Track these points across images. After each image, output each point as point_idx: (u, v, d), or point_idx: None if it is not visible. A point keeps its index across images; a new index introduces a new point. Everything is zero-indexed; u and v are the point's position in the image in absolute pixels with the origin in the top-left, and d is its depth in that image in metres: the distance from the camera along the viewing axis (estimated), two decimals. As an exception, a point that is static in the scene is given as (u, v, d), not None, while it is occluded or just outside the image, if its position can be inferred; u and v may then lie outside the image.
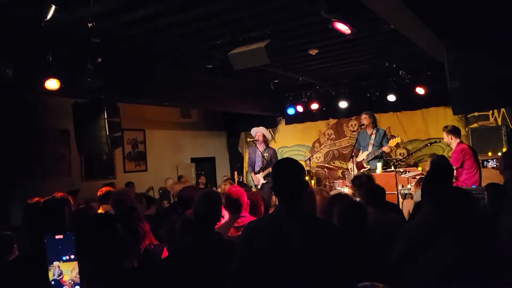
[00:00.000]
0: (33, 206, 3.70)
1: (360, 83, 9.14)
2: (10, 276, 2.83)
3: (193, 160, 10.83)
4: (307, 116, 10.25)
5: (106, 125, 6.14)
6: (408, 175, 6.80)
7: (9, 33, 4.87)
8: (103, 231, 2.16)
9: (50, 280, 2.16)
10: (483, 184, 5.12)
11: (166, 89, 7.44)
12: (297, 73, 8.32)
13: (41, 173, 7.37)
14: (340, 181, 7.89)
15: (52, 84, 5.30)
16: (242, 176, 10.81)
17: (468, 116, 8.58)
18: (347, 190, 5.88)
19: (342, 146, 10.26)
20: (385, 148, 7.66)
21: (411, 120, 9.33)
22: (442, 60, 4.48)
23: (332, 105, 9.57)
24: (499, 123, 8.32)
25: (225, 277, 2.17)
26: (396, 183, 6.02)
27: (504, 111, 8.26)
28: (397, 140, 7.73)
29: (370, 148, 7.77)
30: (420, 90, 8.25)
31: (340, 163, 10.19)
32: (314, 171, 9.01)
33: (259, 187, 7.61)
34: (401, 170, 7.07)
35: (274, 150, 8.01)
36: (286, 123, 10.85)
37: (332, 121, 10.35)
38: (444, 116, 8.74)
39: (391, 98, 8.70)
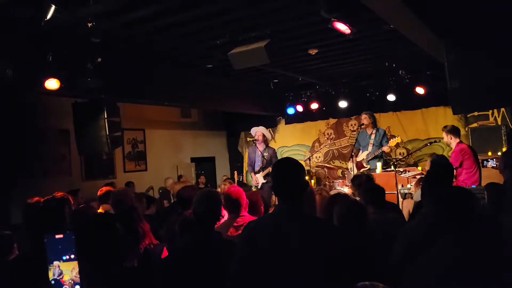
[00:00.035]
0: (33, 206, 3.71)
1: (360, 83, 9.14)
2: (10, 276, 2.83)
3: (193, 159, 10.83)
4: (307, 116, 10.25)
5: (106, 125, 6.14)
6: (408, 174, 6.80)
7: (9, 33, 4.87)
8: (103, 230, 2.16)
9: (50, 279, 2.16)
10: (483, 183, 5.13)
11: (166, 89, 7.44)
12: (297, 73, 8.32)
13: (41, 173, 7.37)
14: (340, 180, 7.90)
15: (52, 84, 5.30)
16: (242, 175, 10.82)
17: (468, 115, 8.58)
18: (347, 190, 5.88)
19: (342, 146, 10.27)
20: (385, 148, 7.66)
21: (411, 120, 9.33)
22: (442, 60, 4.48)
23: (332, 105, 9.57)
24: (499, 123, 8.32)
25: (225, 276, 2.17)
26: (396, 183, 6.02)
27: (504, 110, 8.27)
28: (397, 140, 7.74)
29: (370, 147, 7.77)
30: (420, 90, 8.26)
31: (340, 162, 10.20)
32: (314, 170, 9.01)
33: (259, 186, 7.61)
34: (401, 169, 7.08)
35: (274, 149, 8.01)
36: (286, 123, 10.86)
37: (332, 121, 10.35)
38: (444, 115, 8.75)
39: (391, 97, 8.70)
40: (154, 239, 3.23)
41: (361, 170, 7.34)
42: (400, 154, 9.28)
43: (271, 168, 6.88)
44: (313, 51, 6.61)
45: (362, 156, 7.85)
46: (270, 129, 10.27)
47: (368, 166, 7.59)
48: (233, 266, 2.17)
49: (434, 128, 8.80)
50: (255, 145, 7.81)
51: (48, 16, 4.08)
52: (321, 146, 10.24)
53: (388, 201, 4.07)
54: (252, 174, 7.87)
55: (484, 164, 7.01)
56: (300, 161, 2.38)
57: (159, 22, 5.07)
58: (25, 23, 4.66)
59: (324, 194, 3.66)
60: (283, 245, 2.03)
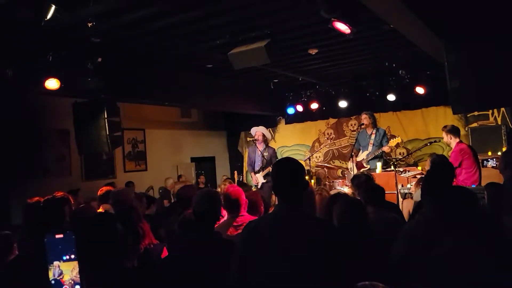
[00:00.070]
0: (33, 206, 3.71)
1: (360, 82, 9.14)
2: (10, 276, 2.83)
3: (193, 159, 10.84)
4: (307, 116, 10.25)
5: (106, 124, 6.14)
6: (408, 174, 6.80)
7: (9, 33, 4.87)
8: (103, 230, 2.16)
9: (50, 280, 2.15)
10: (483, 183, 5.13)
11: (166, 89, 7.44)
12: (297, 73, 8.32)
13: (41, 173, 7.37)
14: (340, 180, 7.89)
15: (52, 84, 5.30)
16: (242, 175, 10.82)
17: (468, 115, 8.58)
18: (347, 190, 5.88)
19: (342, 146, 10.27)
20: (385, 148, 7.66)
21: (411, 119, 9.33)
22: (442, 60, 4.48)
23: (332, 105, 9.57)
24: (499, 123, 8.32)
25: (225, 276, 2.18)
26: (396, 183, 6.02)
27: (504, 110, 8.27)
28: (397, 140, 7.73)
29: (370, 147, 7.77)
30: (420, 90, 8.26)
31: (340, 162, 10.20)
32: (314, 170, 9.01)
33: (258, 186, 7.61)
34: (401, 169, 7.07)
35: (274, 149, 8.01)
36: (286, 123, 10.86)
37: (332, 121, 10.36)
38: (444, 115, 8.75)
39: (391, 97, 8.70)
40: (154, 239, 3.23)
41: (361, 170, 7.34)
42: (400, 154, 9.28)
43: (271, 168, 6.91)
44: (313, 51, 6.61)
45: (362, 156, 7.84)
46: (270, 129, 10.27)
47: (368, 166, 7.59)
48: (233, 266, 2.17)
49: (434, 128, 8.80)
50: (255, 145, 7.81)
51: (48, 16, 4.07)
52: (321, 146, 10.24)
53: (387, 201, 4.07)
54: (252, 173, 7.87)
55: (484, 164, 7.01)
56: (300, 161, 2.39)
57: (160, 22, 5.06)
58: (25, 23, 4.65)
59: (325, 194, 3.66)
60: (283, 245, 2.03)
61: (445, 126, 6.15)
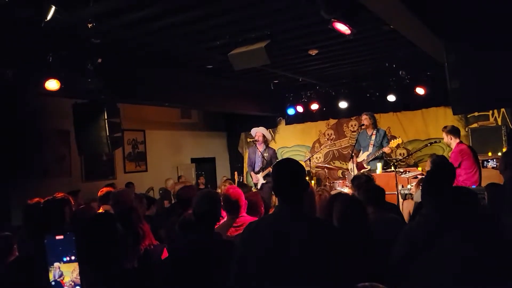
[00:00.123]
0: (33, 207, 3.70)
1: (360, 83, 9.14)
2: (10, 277, 2.83)
3: (193, 160, 10.83)
4: (307, 116, 10.25)
5: (106, 125, 6.15)
6: (408, 175, 6.79)
7: (9, 33, 4.87)
8: (103, 231, 2.16)
9: (51, 281, 2.15)
10: (483, 184, 5.12)
11: (166, 90, 7.44)
12: (297, 74, 8.32)
13: (41, 173, 7.37)
14: (340, 181, 7.88)
15: (52, 84, 5.30)
16: (242, 176, 10.80)
17: (468, 116, 8.58)
18: (347, 190, 5.87)
19: (342, 146, 10.26)
20: (386, 149, 7.65)
21: (411, 120, 9.33)
22: (442, 60, 4.48)
23: (332, 105, 9.57)
24: (499, 123, 8.32)
25: (225, 277, 2.17)
26: (396, 184, 6.01)
27: (504, 111, 8.26)
28: (398, 141, 7.72)
29: (370, 148, 7.76)
30: (420, 90, 8.25)
31: (340, 163, 10.19)
32: (314, 171, 9.01)
33: (259, 187, 7.61)
34: (401, 170, 7.06)
35: (274, 150, 8.01)
36: (286, 123, 10.85)
37: (332, 121, 10.35)
38: (444, 116, 8.74)
39: (391, 98, 8.70)
40: (154, 240, 3.23)
41: (362, 171, 7.33)
42: (400, 154, 9.27)
43: (271, 169, 6.91)
44: (313, 52, 6.61)
45: (362, 156, 7.84)
46: (270, 129, 10.27)
47: (369, 167, 7.58)
48: (234, 266, 2.17)
49: (434, 129, 8.80)
50: (255, 145, 7.81)
51: (48, 17, 4.07)
52: (321, 147, 10.22)
53: (387, 201, 4.06)
54: (252, 174, 7.86)
55: (484, 165, 7.01)
56: (300, 162, 2.38)
57: (160, 22, 5.06)
58: (25, 23, 4.66)
59: (325, 195, 3.66)
60: (283, 245, 2.03)
61: (445, 127, 6.15)
